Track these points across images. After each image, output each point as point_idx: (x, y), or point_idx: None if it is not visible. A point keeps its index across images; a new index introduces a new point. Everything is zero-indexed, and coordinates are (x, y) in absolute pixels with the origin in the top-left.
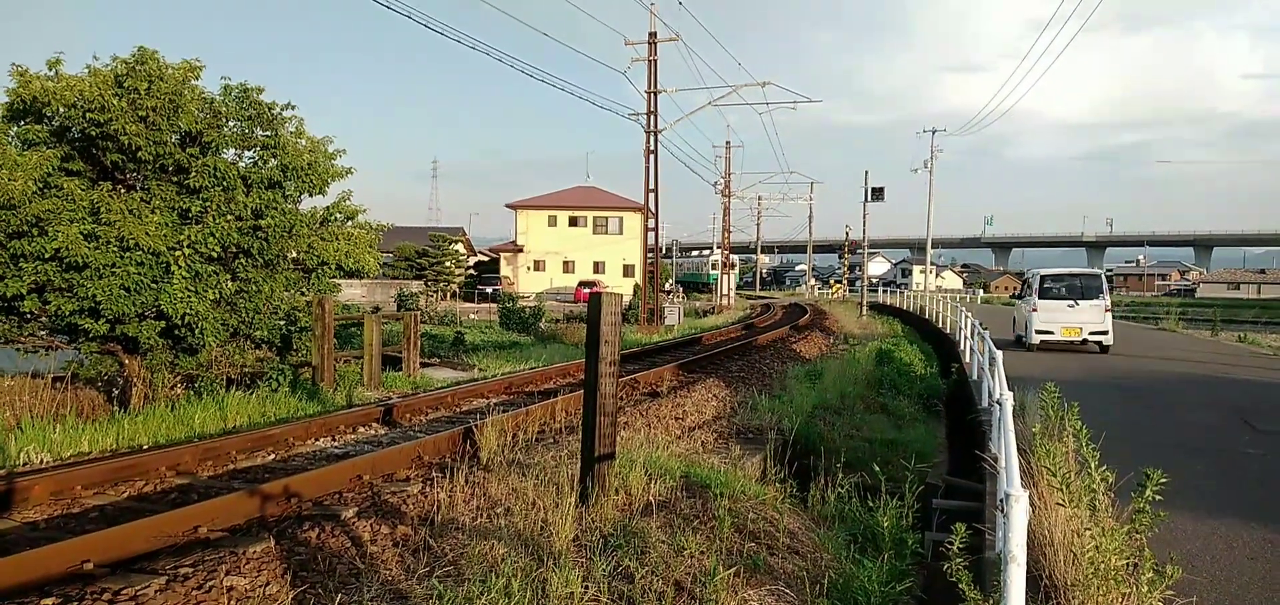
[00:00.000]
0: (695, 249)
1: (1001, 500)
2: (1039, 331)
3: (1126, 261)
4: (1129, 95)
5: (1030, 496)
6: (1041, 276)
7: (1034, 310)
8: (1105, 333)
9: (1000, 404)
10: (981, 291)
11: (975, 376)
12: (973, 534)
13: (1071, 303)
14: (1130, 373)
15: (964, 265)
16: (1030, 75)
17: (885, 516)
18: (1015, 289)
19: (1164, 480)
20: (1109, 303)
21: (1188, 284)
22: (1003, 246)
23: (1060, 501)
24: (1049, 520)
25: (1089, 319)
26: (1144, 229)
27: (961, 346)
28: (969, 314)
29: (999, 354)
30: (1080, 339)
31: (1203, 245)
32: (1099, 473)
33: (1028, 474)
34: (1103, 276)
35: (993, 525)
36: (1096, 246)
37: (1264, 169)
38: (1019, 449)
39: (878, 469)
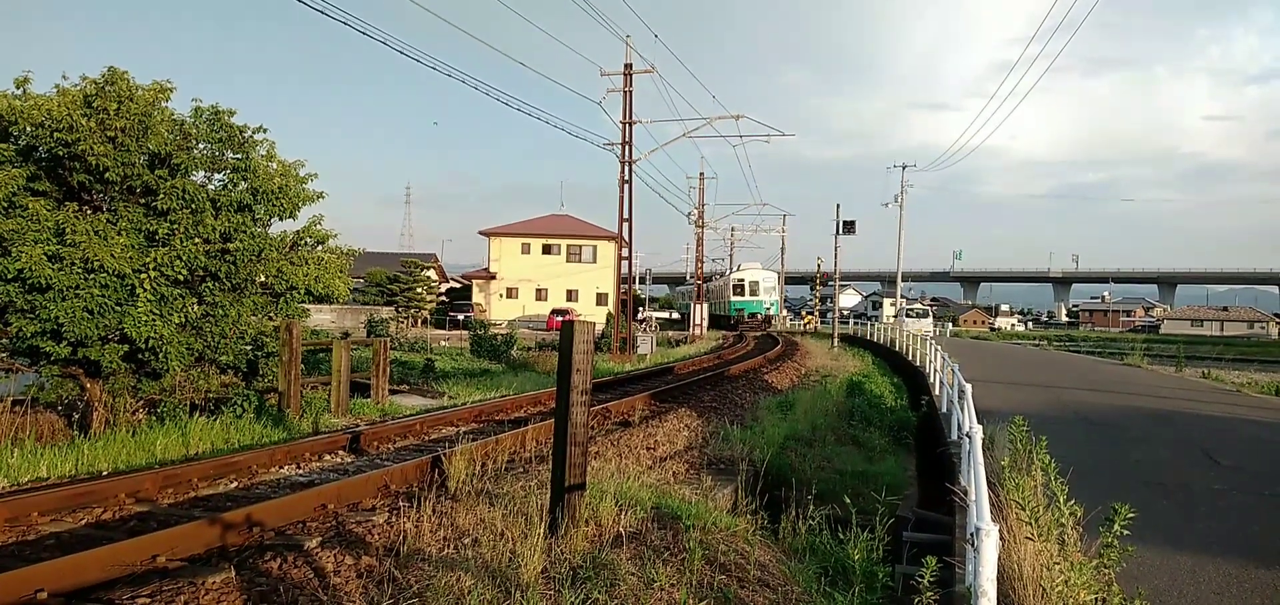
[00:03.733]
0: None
1: (972, 534)
2: (910, 330)
3: (1093, 297)
4: (1092, 135)
5: (1000, 530)
6: (906, 308)
7: (904, 319)
8: (930, 333)
9: (969, 437)
10: (950, 325)
11: (945, 409)
12: (943, 567)
13: (919, 318)
14: (1097, 407)
15: (933, 298)
16: (996, 115)
17: (856, 549)
18: (986, 321)
19: (1131, 515)
20: (932, 321)
21: (1152, 320)
22: (971, 280)
23: (1030, 535)
24: (1018, 554)
25: (926, 327)
26: (1109, 266)
27: (931, 379)
28: (938, 346)
29: (969, 387)
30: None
31: (1166, 283)
32: (1068, 507)
33: (997, 507)
34: (929, 308)
35: (963, 558)
36: (1063, 282)
37: (1224, 209)
38: (988, 482)
39: (849, 501)
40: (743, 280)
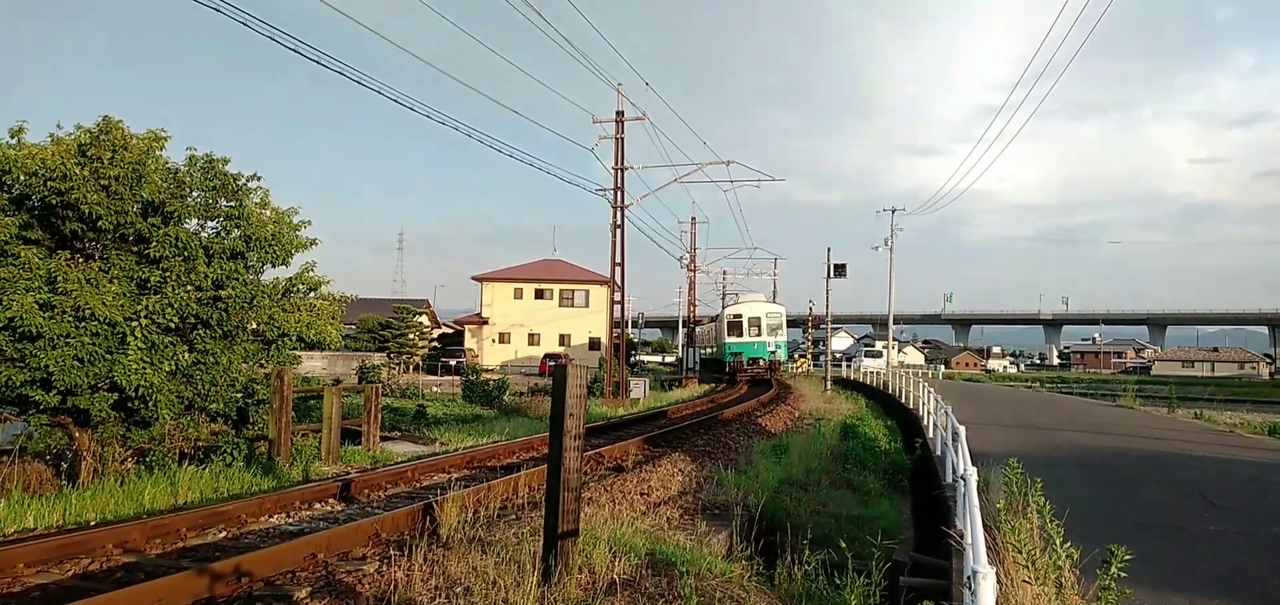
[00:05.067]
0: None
1: (969, 577)
2: (866, 369)
3: (1084, 339)
4: (1079, 178)
5: (997, 573)
6: (865, 349)
7: (866, 357)
8: (882, 370)
9: (964, 479)
10: (943, 367)
11: (939, 452)
12: None
13: (874, 359)
14: (1091, 449)
15: (925, 341)
16: (983, 159)
17: (852, 594)
18: (978, 363)
19: (1128, 557)
20: (886, 359)
21: (1143, 361)
22: (963, 323)
23: (1027, 579)
24: (1016, 597)
25: (879, 365)
26: (1099, 307)
27: (925, 422)
28: (930, 388)
29: (962, 430)
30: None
31: (1157, 324)
32: (1064, 549)
33: (994, 550)
34: (881, 347)
35: (960, 602)
36: (1053, 324)
37: (1212, 250)
38: (984, 525)
39: (844, 545)
40: (740, 317)
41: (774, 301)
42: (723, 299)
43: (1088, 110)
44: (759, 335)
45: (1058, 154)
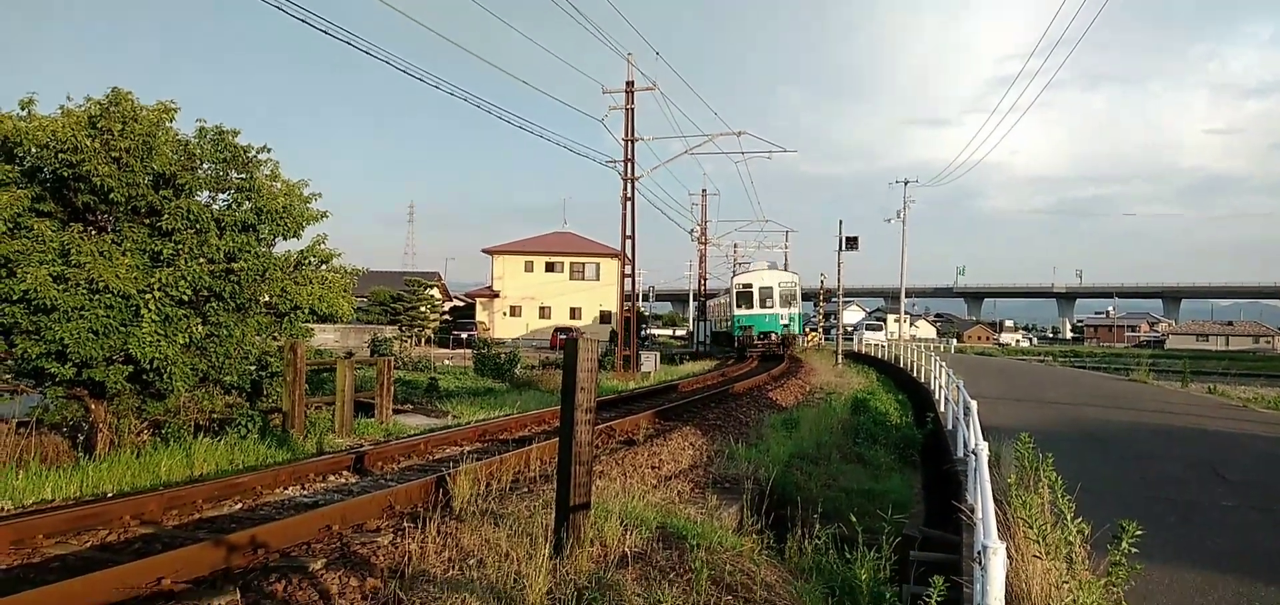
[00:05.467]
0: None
1: (979, 552)
2: (868, 341)
3: (1097, 313)
4: (1093, 150)
5: (1007, 548)
6: (866, 324)
7: (867, 330)
8: (881, 344)
9: (975, 454)
10: (955, 341)
11: (950, 426)
12: (950, 587)
13: (874, 332)
14: (1103, 424)
15: (937, 314)
16: (996, 131)
17: (863, 569)
18: (990, 337)
19: (1139, 532)
20: (882, 332)
21: (1157, 335)
22: (975, 296)
23: (1037, 553)
24: (1026, 573)
25: (880, 338)
26: (1113, 280)
27: (936, 396)
28: (942, 362)
29: (974, 404)
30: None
31: (1171, 297)
32: (1075, 525)
33: (1004, 525)
34: (892, 320)
35: (970, 577)
36: (1067, 297)
37: (1227, 223)
38: (995, 500)
39: (855, 520)
40: (750, 287)
41: (783, 270)
42: (734, 269)
43: (1101, 81)
44: (771, 307)
45: (1071, 126)
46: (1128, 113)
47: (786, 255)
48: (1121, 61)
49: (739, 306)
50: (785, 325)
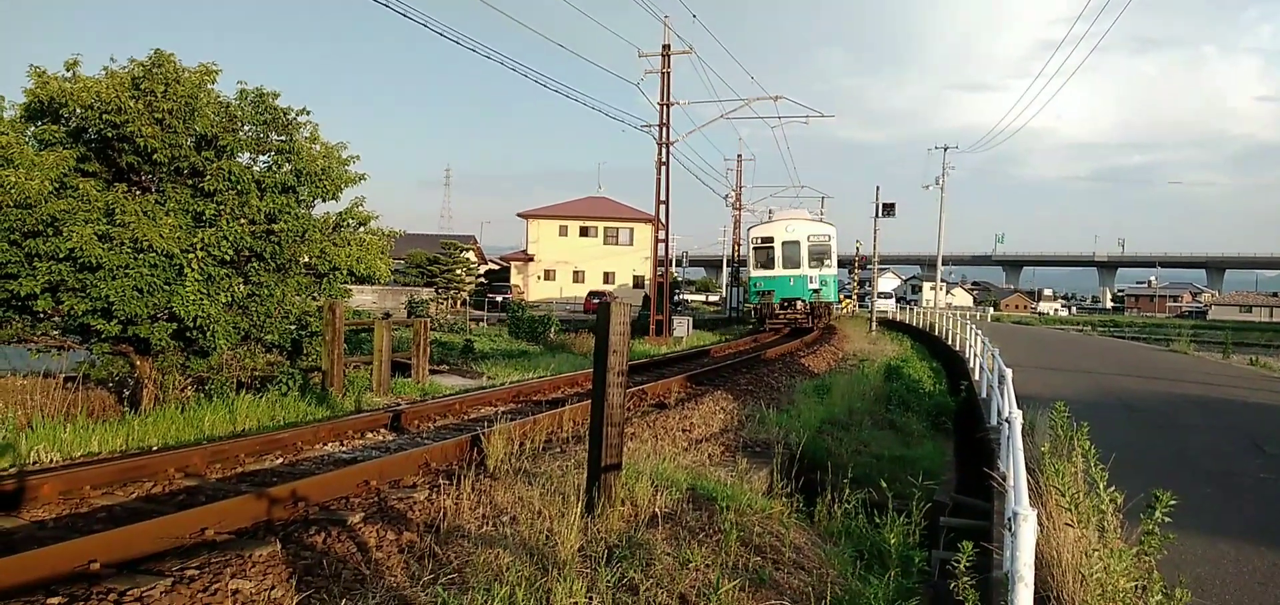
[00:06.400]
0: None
1: (1010, 518)
2: (882, 308)
3: (1138, 283)
4: (1139, 116)
5: (1038, 516)
6: (906, 296)
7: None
8: (893, 310)
9: (1009, 422)
10: (992, 309)
11: (984, 394)
12: (980, 553)
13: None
14: (1140, 394)
15: (974, 282)
16: (1040, 96)
17: (892, 533)
18: (1028, 305)
19: (1173, 502)
20: (894, 300)
21: (1200, 306)
22: (1014, 265)
23: (1069, 522)
24: (1057, 540)
25: (890, 305)
26: (1155, 250)
27: (971, 364)
28: (978, 331)
29: (1009, 372)
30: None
31: (1215, 267)
32: (1108, 494)
33: (1036, 493)
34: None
35: (1000, 544)
36: (1108, 266)
37: (1276, 192)
38: (1027, 468)
39: (885, 485)
40: (770, 240)
41: (817, 221)
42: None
43: (1149, 45)
44: (797, 267)
45: (1117, 91)
46: (1178, 78)
47: (822, 216)
48: (1172, 25)
49: (757, 266)
50: (815, 290)
